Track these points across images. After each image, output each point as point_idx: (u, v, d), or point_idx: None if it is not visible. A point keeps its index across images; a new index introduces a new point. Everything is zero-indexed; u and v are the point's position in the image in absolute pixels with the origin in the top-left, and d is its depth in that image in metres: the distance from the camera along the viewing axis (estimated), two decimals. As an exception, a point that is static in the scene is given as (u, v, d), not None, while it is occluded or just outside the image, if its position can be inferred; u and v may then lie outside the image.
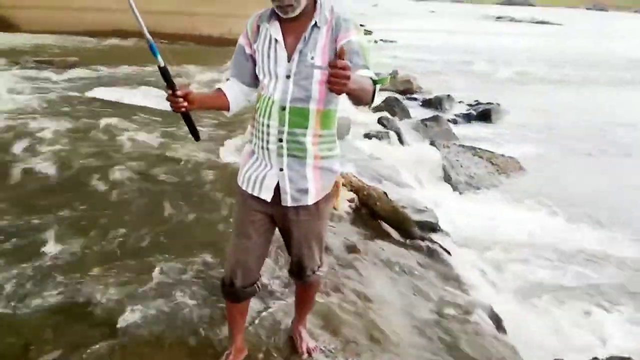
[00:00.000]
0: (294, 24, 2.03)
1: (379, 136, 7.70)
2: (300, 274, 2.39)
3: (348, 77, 1.59)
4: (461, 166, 7.15)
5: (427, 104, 11.25)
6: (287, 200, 2.13)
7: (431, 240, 4.36)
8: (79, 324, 2.84)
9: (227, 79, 2.24)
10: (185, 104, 1.97)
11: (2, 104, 7.36)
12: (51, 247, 3.54)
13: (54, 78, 9.96)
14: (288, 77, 2.03)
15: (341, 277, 3.50)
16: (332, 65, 1.58)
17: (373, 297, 3.36)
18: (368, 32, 27.28)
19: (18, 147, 5.23)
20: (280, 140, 2.06)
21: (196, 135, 2.15)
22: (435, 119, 9.39)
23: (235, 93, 2.19)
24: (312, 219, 2.22)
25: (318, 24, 2.01)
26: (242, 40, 2.19)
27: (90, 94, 8.63)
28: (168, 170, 5.03)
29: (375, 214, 4.52)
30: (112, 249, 3.62)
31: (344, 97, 1.82)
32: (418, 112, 10.31)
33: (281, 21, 2.05)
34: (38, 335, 2.72)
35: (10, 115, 6.73)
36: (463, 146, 7.92)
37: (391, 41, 24.92)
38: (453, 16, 47.05)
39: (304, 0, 1.98)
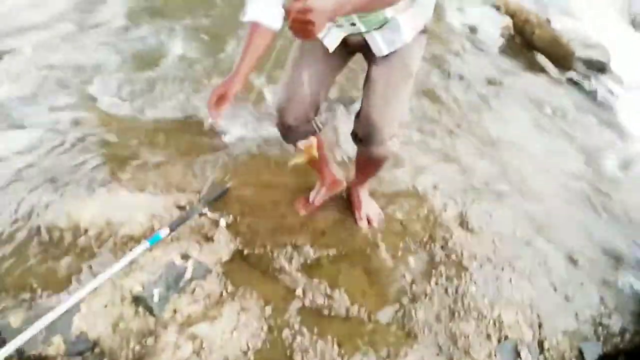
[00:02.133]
0: None
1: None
2: (367, 136, 1.82)
3: (311, 23, 1.17)
4: (653, -2, 5.80)
5: None
6: (381, 49, 1.71)
7: (596, 81, 3.63)
8: (189, 134, 2.78)
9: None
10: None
11: None
12: (175, 56, 3.45)
13: None
14: None
15: (476, 112, 3.05)
16: (287, 11, 1.17)
17: (512, 138, 2.90)
18: None
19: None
20: (353, 24, 1.66)
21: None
22: (630, -61, 7.60)
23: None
24: (404, 53, 1.74)
25: None
26: None
27: None
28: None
29: (531, 45, 3.82)
30: (228, 64, 3.43)
31: None
32: None
33: None
34: (151, 139, 2.71)
35: None
36: (661, -27, 6.38)
37: None
38: None
39: None
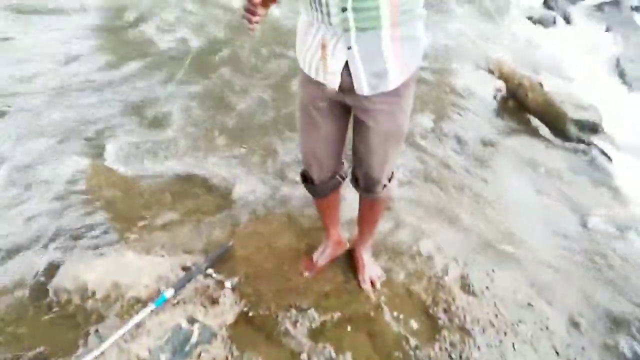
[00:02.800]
0: None
1: (542, 20, 6.68)
2: (368, 187, 1.96)
3: None
4: (640, 60, 6.01)
5: (607, -15, 9.53)
6: (363, 88, 1.64)
7: (590, 143, 3.73)
8: (196, 192, 2.84)
9: None
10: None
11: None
12: (178, 117, 3.54)
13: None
14: None
15: (471, 173, 3.13)
16: None
17: (508, 199, 2.97)
18: None
19: (159, 15, 5.24)
20: (344, 9, 1.50)
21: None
22: (614, 3, 7.91)
23: None
24: (393, 111, 1.72)
25: None
26: None
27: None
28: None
29: (525, 107, 3.94)
30: (236, 124, 3.54)
31: None
32: (595, -5, 8.79)
33: None
34: (158, 199, 2.77)
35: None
36: (647, 36, 6.63)
37: None
38: None
39: None
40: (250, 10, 1.48)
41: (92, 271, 2.18)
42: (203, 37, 4.78)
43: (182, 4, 5.71)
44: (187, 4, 5.70)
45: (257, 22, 1.50)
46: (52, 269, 2.23)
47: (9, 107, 3.55)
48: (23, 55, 4.36)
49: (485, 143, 3.47)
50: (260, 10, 1.49)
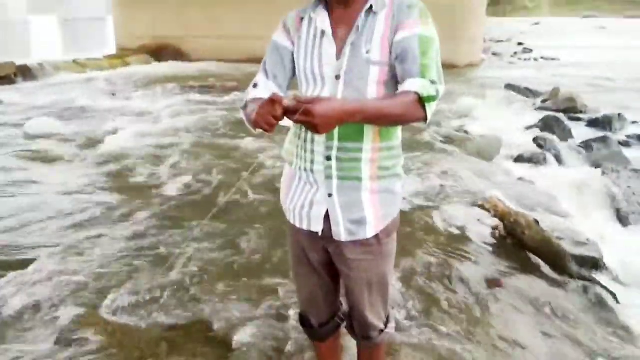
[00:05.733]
0: (346, 11, 1.65)
1: (533, 158, 6.96)
2: (364, 334, 1.95)
3: (314, 126, 1.34)
4: (633, 194, 6.14)
5: (593, 123, 9.98)
6: (341, 234, 1.71)
7: (592, 280, 3.70)
8: (194, 341, 2.78)
9: (254, 85, 1.74)
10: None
11: (162, 124, 7.98)
12: (179, 261, 3.58)
13: (213, 101, 10.65)
14: (337, 77, 1.61)
15: (476, 315, 3.06)
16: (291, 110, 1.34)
17: (514, 341, 2.87)
18: (528, 50, 25.67)
19: (165, 163, 5.51)
20: (329, 158, 1.64)
21: None
22: (602, 140, 8.27)
23: None
24: (374, 258, 1.77)
25: (374, 9, 1.61)
26: (278, 38, 1.75)
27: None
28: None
29: (523, 245, 3.97)
30: (237, 266, 3.57)
31: None
32: (582, 133, 9.17)
33: (330, 10, 1.67)
34: (153, 348, 2.70)
35: (165, 134, 7.25)
36: (637, 171, 6.85)
37: (553, 59, 23.08)
38: (626, 32, 42.53)
39: None
40: (274, 118, 1.37)
41: None
42: (205, 181, 4.96)
43: (185, 151, 6.01)
44: (190, 151, 5.99)
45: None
46: None
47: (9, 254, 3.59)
48: (29, 203, 4.50)
49: (487, 282, 3.44)
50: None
